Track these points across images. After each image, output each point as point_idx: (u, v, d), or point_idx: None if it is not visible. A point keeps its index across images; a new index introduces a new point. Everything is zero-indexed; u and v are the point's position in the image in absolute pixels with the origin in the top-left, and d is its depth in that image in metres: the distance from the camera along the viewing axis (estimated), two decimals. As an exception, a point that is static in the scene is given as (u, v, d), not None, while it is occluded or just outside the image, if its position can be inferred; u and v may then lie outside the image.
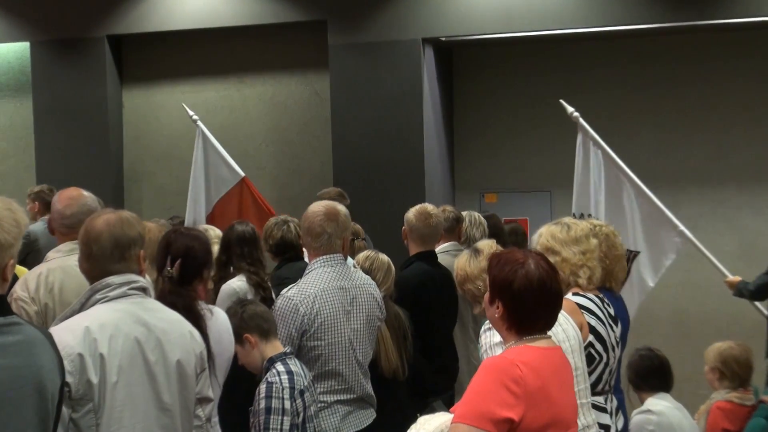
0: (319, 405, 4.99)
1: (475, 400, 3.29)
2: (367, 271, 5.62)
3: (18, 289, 4.54)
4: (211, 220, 8.99)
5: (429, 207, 6.66)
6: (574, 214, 7.79)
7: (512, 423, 3.25)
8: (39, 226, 8.71)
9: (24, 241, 8.76)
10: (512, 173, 10.65)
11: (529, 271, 3.46)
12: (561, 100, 8.27)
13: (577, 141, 7.97)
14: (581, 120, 8.00)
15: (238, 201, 9.19)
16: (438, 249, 6.92)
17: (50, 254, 4.76)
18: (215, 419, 4.08)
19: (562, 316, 4.35)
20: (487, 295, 3.56)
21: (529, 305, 3.46)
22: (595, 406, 4.60)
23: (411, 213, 6.60)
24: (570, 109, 8.12)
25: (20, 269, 7.01)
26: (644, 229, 7.79)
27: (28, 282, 4.57)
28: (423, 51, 10.06)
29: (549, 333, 3.57)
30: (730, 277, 8.19)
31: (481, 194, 10.89)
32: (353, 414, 5.18)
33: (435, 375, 6.31)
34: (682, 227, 7.85)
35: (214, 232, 6.49)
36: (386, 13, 10.10)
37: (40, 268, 4.63)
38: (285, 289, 5.14)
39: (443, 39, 10.23)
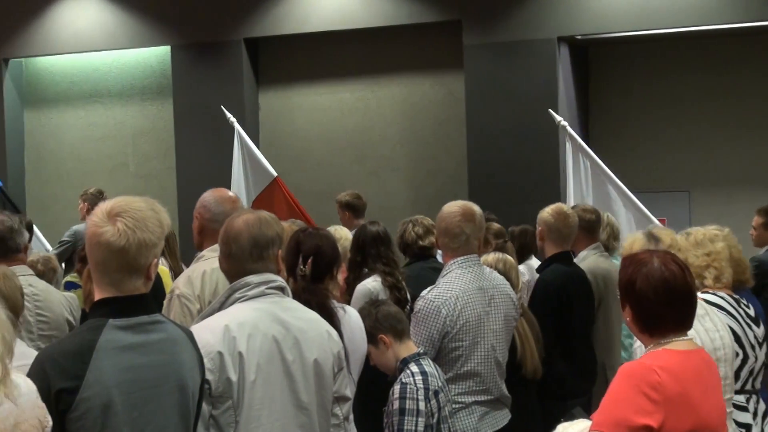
0: (456, 405, 4.99)
1: (611, 408, 3.24)
2: (502, 273, 5.59)
3: (182, 287, 4.51)
4: None
5: (564, 206, 6.59)
6: None
7: (651, 430, 3.18)
8: (84, 227, 8.78)
9: (70, 240, 8.85)
10: (649, 173, 10.43)
11: (651, 270, 3.37)
12: (550, 110, 8.66)
13: (566, 148, 8.32)
14: (569, 128, 8.31)
15: (270, 201, 9.18)
16: (585, 251, 6.79)
17: (207, 253, 4.67)
18: (351, 416, 4.11)
19: (720, 322, 4.26)
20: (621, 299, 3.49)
21: (653, 306, 3.36)
22: (735, 405, 4.49)
23: (547, 213, 6.49)
24: (558, 118, 8.45)
25: (162, 270, 7.11)
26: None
27: (192, 280, 4.54)
28: (558, 50, 9.97)
29: (693, 335, 3.48)
30: None
31: (617, 194, 10.71)
32: (490, 414, 5.16)
33: (573, 378, 6.24)
34: None
35: (344, 232, 6.52)
36: (521, 13, 10.03)
37: (204, 267, 4.58)
38: (425, 291, 5.14)
39: (579, 37, 10.12)
